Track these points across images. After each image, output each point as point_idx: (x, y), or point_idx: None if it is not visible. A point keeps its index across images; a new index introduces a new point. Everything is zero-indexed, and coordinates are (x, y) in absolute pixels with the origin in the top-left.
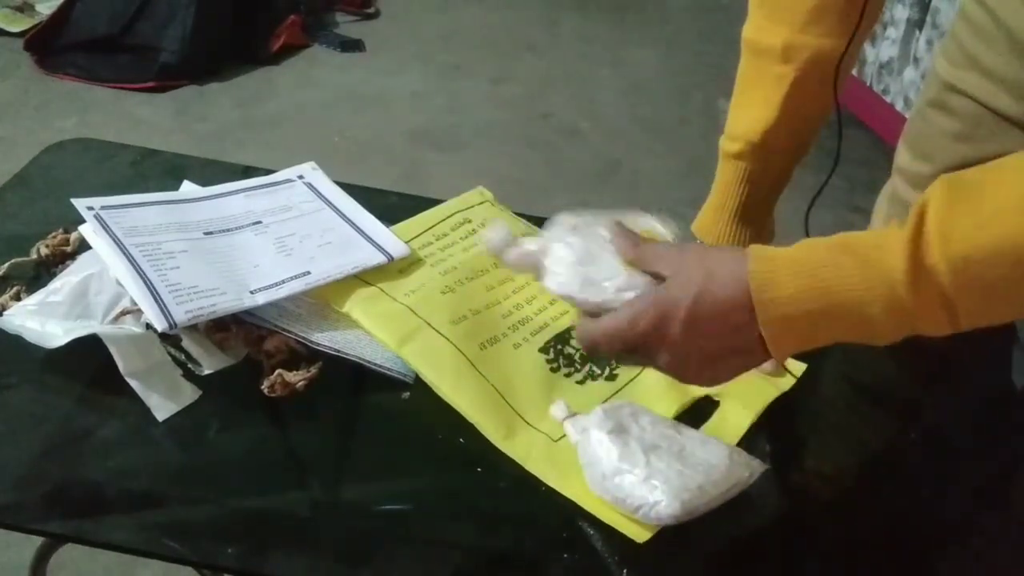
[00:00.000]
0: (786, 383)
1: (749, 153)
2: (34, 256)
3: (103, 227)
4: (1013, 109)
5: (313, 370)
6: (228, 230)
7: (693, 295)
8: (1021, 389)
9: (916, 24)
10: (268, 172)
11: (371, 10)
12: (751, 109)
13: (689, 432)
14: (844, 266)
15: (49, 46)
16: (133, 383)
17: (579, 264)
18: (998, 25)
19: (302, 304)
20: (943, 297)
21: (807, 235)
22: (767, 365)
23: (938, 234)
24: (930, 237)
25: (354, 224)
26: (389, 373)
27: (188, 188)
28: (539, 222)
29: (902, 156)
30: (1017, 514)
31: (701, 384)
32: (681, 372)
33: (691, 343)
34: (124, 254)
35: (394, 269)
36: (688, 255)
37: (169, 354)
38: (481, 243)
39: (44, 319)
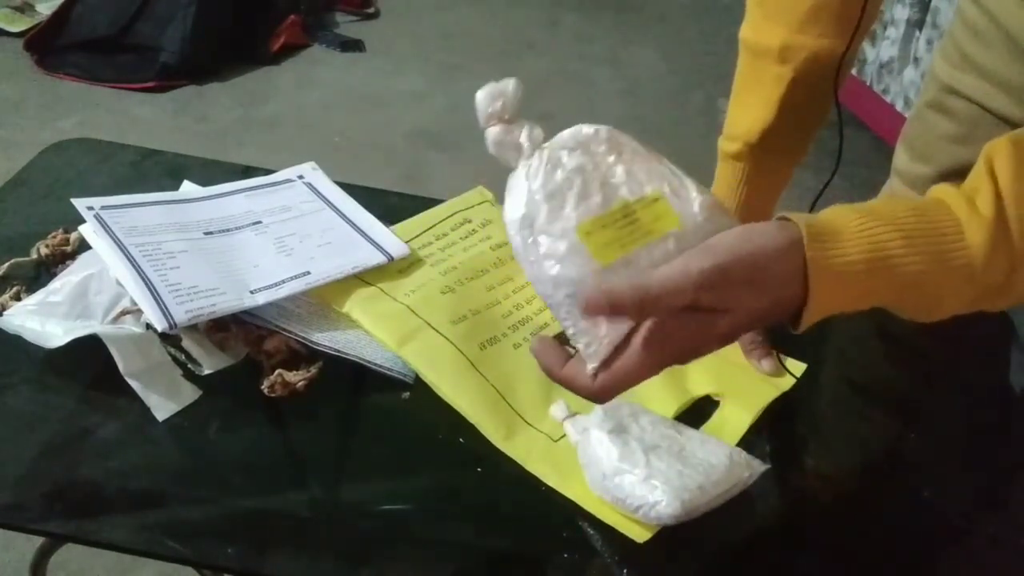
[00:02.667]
0: (786, 383)
1: (747, 154)
2: (34, 256)
3: (103, 227)
4: (1011, 111)
5: (313, 370)
6: (228, 230)
7: (747, 251)
8: (1020, 390)
9: (916, 24)
10: (268, 172)
11: (371, 10)
12: (749, 109)
13: (689, 432)
14: (910, 252)
15: (49, 46)
16: (133, 383)
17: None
18: (996, 26)
19: (302, 304)
20: (1008, 277)
21: None
22: (766, 365)
23: (1017, 219)
24: (1012, 219)
25: (354, 224)
26: (389, 373)
27: (188, 188)
28: None
29: (900, 157)
30: (1016, 515)
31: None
32: (729, 336)
33: (752, 300)
34: (124, 254)
35: (394, 269)
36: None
37: (169, 354)
38: (481, 243)
39: (44, 319)
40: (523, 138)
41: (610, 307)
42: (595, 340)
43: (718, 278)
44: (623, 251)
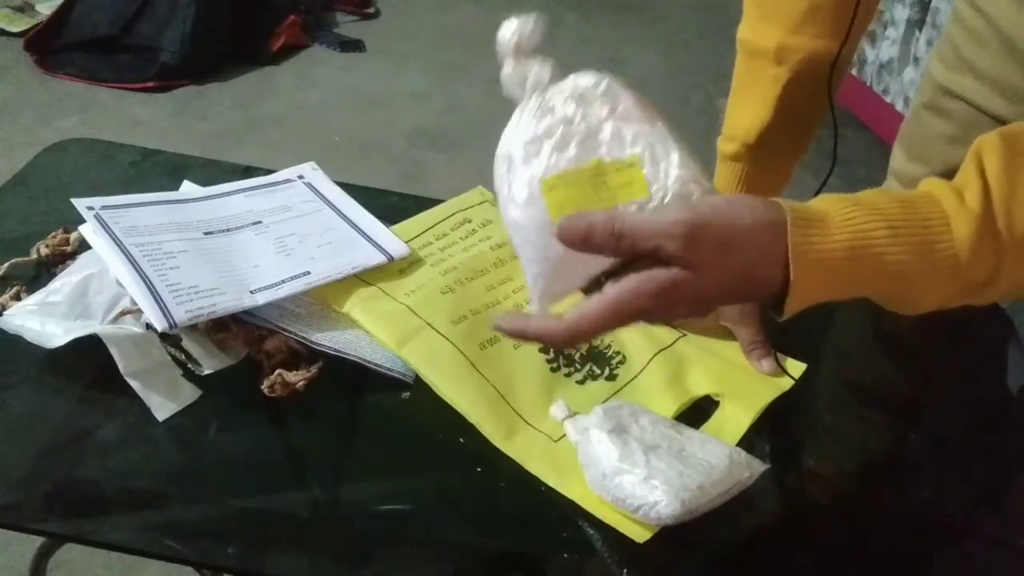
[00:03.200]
0: (786, 383)
1: (745, 154)
2: (34, 256)
3: (103, 227)
4: (1007, 112)
5: (313, 370)
6: (228, 230)
7: (726, 213)
8: (1020, 390)
9: (916, 24)
10: (268, 172)
11: (371, 10)
12: (747, 110)
13: (689, 432)
14: (895, 242)
15: (49, 46)
16: (133, 383)
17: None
18: (992, 28)
19: (302, 304)
20: (993, 271)
21: None
22: (766, 365)
23: (1005, 213)
24: (999, 214)
25: (354, 224)
26: (389, 373)
27: (188, 188)
28: None
29: (897, 158)
30: (1016, 515)
31: (688, 316)
32: (696, 302)
33: (719, 259)
34: (124, 254)
35: (394, 269)
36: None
37: (169, 354)
38: (481, 243)
39: (44, 319)
40: (529, 76)
41: (584, 232)
42: (549, 284)
43: (689, 230)
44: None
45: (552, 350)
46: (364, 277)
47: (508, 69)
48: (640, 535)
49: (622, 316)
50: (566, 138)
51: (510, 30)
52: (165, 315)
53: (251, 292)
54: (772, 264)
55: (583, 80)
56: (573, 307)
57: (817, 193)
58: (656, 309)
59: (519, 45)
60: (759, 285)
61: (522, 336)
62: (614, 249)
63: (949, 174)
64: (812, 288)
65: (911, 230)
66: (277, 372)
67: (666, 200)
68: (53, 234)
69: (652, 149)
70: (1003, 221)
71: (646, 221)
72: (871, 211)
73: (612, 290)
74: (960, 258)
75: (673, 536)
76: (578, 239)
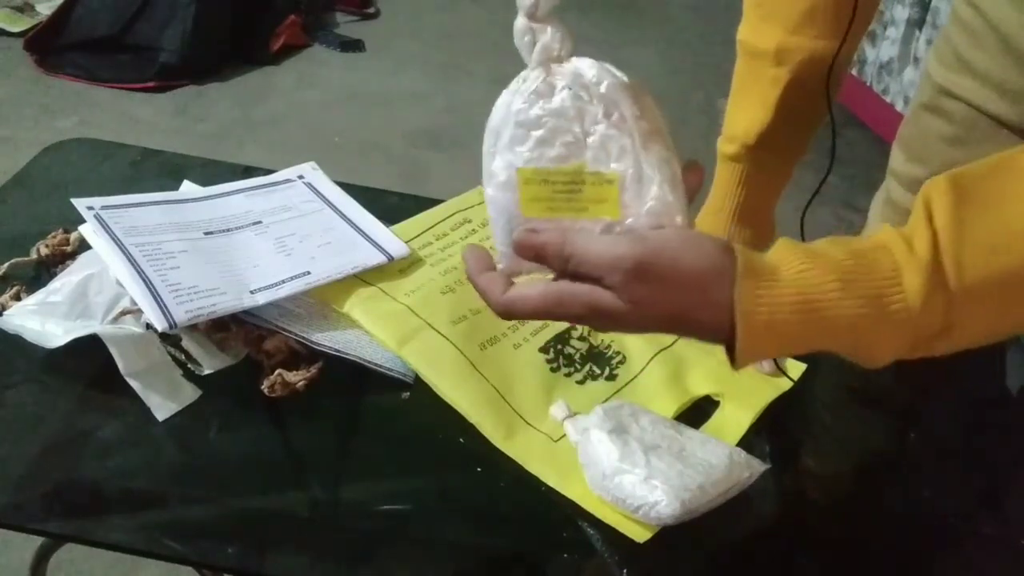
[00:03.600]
0: (786, 383)
1: (745, 155)
2: (34, 256)
3: (103, 227)
4: (1006, 112)
5: (313, 370)
6: (228, 230)
7: (672, 255)
8: (1018, 391)
9: (916, 24)
10: (268, 172)
11: (371, 10)
12: (746, 111)
13: (689, 432)
14: (846, 296)
15: (49, 46)
16: (133, 383)
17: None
18: (990, 28)
19: (302, 304)
20: (945, 321)
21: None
22: (765, 366)
23: (953, 262)
24: (947, 263)
25: (354, 224)
26: (389, 373)
27: (188, 188)
28: None
29: (896, 159)
30: (1016, 515)
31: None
32: (623, 325)
33: (657, 298)
34: (124, 254)
35: (394, 269)
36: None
37: (169, 354)
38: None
39: (44, 319)
40: (538, 42)
41: (536, 251)
42: (510, 264)
43: (632, 267)
44: (549, 214)
45: (552, 350)
46: (364, 277)
47: (518, 28)
48: (640, 535)
49: (555, 314)
50: (554, 133)
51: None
52: (165, 315)
53: (251, 292)
54: (714, 311)
55: (587, 71)
56: (529, 281)
57: (815, 192)
58: (589, 320)
59: (533, 6)
60: (700, 327)
61: (469, 276)
62: (561, 269)
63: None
64: (759, 344)
65: (864, 284)
66: (277, 372)
67: (642, 220)
68: (53, 234)
69: (637, 169)
70: (952, 271)
71: (595, 250)
72: (824, 266)
73: (556, 287)
74: (911, 310)
75: (673, 536)
76: (530, 255)
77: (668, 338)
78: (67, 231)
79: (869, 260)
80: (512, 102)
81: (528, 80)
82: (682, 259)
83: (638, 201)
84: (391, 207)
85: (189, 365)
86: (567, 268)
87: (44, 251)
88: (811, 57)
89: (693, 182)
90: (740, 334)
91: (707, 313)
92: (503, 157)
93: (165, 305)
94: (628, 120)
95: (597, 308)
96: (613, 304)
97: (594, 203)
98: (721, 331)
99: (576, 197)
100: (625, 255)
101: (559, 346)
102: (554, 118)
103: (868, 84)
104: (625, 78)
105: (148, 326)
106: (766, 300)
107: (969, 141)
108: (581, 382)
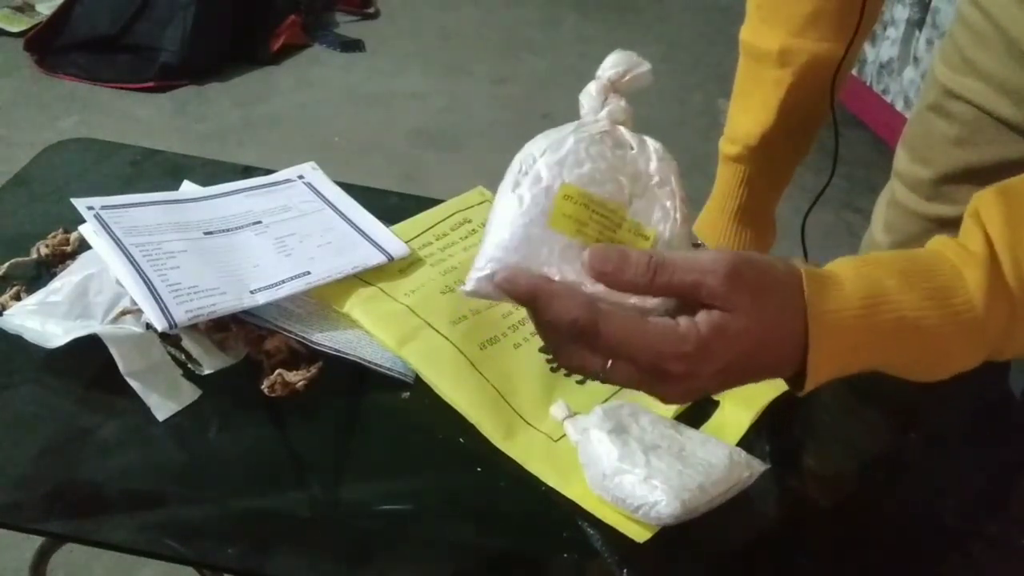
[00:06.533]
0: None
1: (747, 156)
2: (34, 256)
3: (103, 227)
4: (1011, 114)
5: (313, 370)
6: (228, 230)
7: (761, 258)
8: (1020, 390)
9: (916, 24)
10: (268, 172)
11: (371, 10)
12: (749, 112)
13: (689, 432)
14: (909, 290)
15: (49, 46)
16: (133, 383)
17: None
18: (996, 29)
19: (302, 304)
20: (1010, 318)
21: (803, 236)
22: None
23: (1011, 259)
24: (1004, 260)
25: (354, 224)
26: (389, 373)
27: (188, 188)
28: None
29: (901, 160)
30: (1016, 515)
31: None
32: (685, 396)
33: (757, 309)
34: (124, 254)
35: (394, 269)
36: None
37: (169, 354)
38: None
39: (44, 319)
40: (606, 109)
41: (617, 260)
42: (497, 270)
43: (730, 268)
44: (576, 236)
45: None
46: (364, 277)
47: (594, 88)
48: (640, 535)
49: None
50: (608, 173)
51: (618, 63)
52: (165, 315)
53: (251, 292)
54: (795, 315)
55: (653, 142)
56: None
57: (820, 194)
58: (686, 367)
59: (620, 78)
60: (784, 338)
61: (604, 273)
62: (648, 283)
63: (953, 175)
64: (831, 347)
65: (924, 280)
66: (277, 372)
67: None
68: (53, 234)
69: (671, 239)
70: (1010, 269)
71: (684, 256)
72: (882, 267)
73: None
74: (975, 308)
75: (673, 536)
76: (609, 266)
77: None
78: (67, 231)
79: (925, 261)
80: (582, 127)
81: (601, 121)
82: (768, 261)
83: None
84: (391, 207)
85: (189, 365)
86: (656, 280)
87: (44, 251)
88: (814, 59)
89: None
90: (813, 336)
91: (791, 316)
92: (551, 167)
93: (165, 305)
94: (677, 197)
95: (705, 338)
96: (720, 321)
97: (628, 244)
98: (797, 338)
99: (608, 235)
100: (719, 257)
101: None
102: (614, 163)
103: (868, 84)
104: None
105: (148, 326)
106: (833, 299)
107: (974, 142)
108: (581, 382)
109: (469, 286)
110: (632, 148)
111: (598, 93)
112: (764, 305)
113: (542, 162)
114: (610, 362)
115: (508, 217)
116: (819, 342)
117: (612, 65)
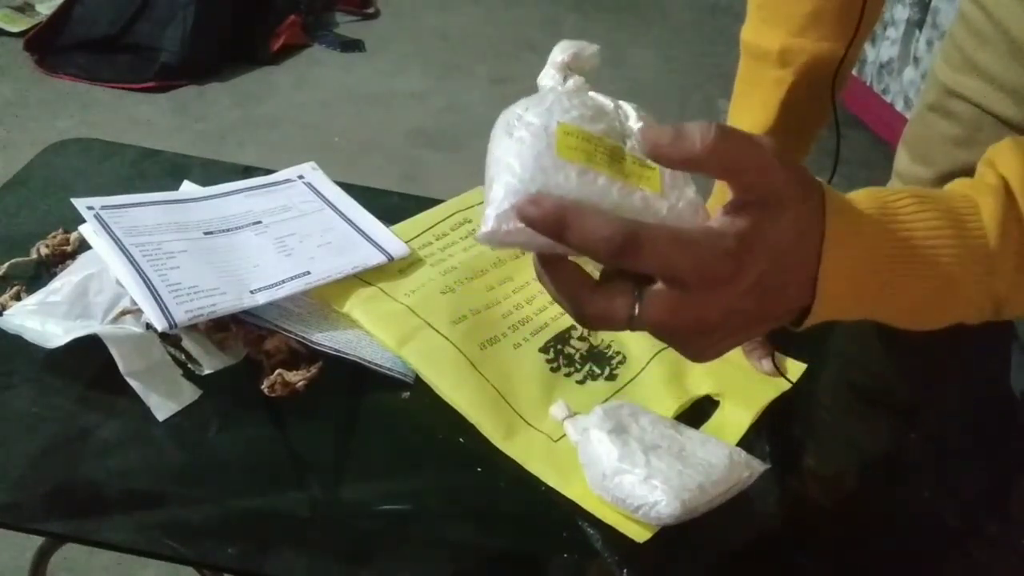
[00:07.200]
0: (786, 383)
1: None
2: (34, 256)
3: (103, 227)
4: (1013, 113)
5: (313, 370)
6: (228, 230)
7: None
8: (1020, 390)
9: (916, 24)
10: (268, 172)
11: (371, 10)
12: (749, 112)
13: (689, 432)
14: (923, 208)
15: (49, 46)
16: (133, 383)
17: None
18: (997, 28)
19: (302, 304)
20: (1018, 266)
21: None
22: (765, 365)
23: None
24: (1020, 198)
25: (354, 224)
26: (389, 373)
27: (188, 188)
28: None
29: (901, 159)
30: (1016, 515)
31: (707, 359)
32: (720, 337)
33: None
34: (124, 254)
35: (394, 269)
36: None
37: (169, 354)
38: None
39: (44, 319)
40: (566, 82)
41: (673, 136)
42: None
43: (789, 164)
44: (587, 164)
45: (552, 350)
46: (364, 277)
47: (551, 73)
48: (640, 535)
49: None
50: (598, 116)
51: (566, 48)
52: (165, 315)
53: (251, 292)
54: (816, 226)
55: (627, 103)
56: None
57: None
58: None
59: (567, 65)
60: (805, 255)
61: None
62: (711, 147)
63: (953, 175)
64: (845, 256)
65: (936, 203)
66: (277, 372)
67: (680, 205)
68: (53, 234)
69: (673, 173)
70: None
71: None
72: (892, 191)
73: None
74: (988, 233)
75: (673, 536)
76: (666, 138)
77: None
78: (67, 231)
79: (940, 192)
80: (557, 89)
81: (572, 83)
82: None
83: (675, 192)
84: (391, 207)
85: (189, 365)
86: (716, 146)
87: (44, 251)
88: (815, 59)
89: None
90: (828, 240)
91: (813, 228)
92: (540, 115)
93: (165, 305)
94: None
95: (751, 235)
96: (764, 217)
97: (634, 176)
98: (811, 259)
99: (616, 164)
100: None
101: (559, 346)
102: (597, 113)
103: (868, 84)
104: None
105: (148, 326)
106: (849, 210)
107: (975, 142)
108: (581, 382)
109: (487, 226)
110: (610, 106)
111: (557, 72)
112: (805, 210)
113: (530, 113)
114: (637, 307)
115: (513, 153)
116: (834, 251)
117: (562, 51)
